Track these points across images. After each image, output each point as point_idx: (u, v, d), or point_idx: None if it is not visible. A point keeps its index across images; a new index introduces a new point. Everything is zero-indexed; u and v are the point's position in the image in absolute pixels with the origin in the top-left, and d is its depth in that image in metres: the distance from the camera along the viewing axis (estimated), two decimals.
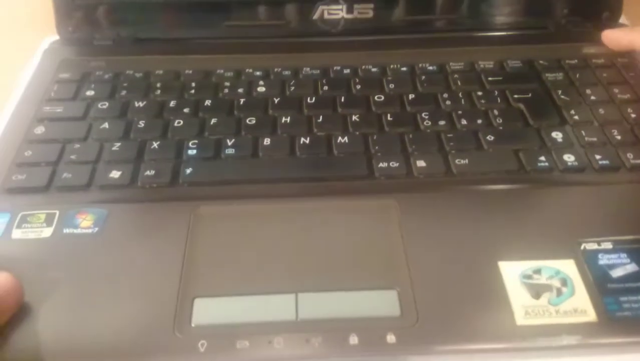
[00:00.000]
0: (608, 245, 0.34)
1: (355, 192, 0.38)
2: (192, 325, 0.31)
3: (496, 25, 0.53)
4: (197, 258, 0.34)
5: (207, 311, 0.31)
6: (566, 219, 0.36)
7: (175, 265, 0.33)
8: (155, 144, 0.40)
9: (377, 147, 0.40)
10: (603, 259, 0.33)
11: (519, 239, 0.34)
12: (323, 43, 0.51)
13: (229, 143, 0.41)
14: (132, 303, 0.32)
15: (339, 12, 0.52)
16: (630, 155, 0.39)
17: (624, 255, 0.33)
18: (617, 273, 0.32)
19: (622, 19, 0.54)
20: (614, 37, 0.48)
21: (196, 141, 0.41)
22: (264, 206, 0.37)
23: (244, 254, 0.34)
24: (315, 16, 0.52)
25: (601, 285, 0.32)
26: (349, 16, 0.52)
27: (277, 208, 0.37)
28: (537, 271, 0.32)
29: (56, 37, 0.51)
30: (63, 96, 0.45)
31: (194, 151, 0.40)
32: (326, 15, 0.52)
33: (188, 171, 0.39)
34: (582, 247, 0.34)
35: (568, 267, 0.33)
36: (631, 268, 0.32)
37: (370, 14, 0.52)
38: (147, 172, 0.38)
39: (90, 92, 0.45)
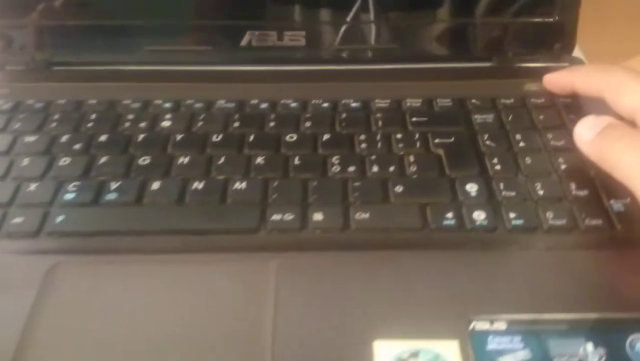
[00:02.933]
0: (501, 325, 0.30)
1: (239, 249, 0.34)
2: None
3: (435, 58, 0.49)
4: (39, 328, 0.30)
5: None
6: (462, 289, 0.32)
7: (12, 336, 0.30)
8: (32, 186, 0.37)
9: (275, 196, 0.37)
10: (492, 343, 0.29)
11: (404, 313, 0.30)
12: (248, 73, 0.48)
13: (113, 187, 0.37)
14: None
15: (269, 39, 0.49)
16: (550, 214, 0.35)
17: (517, 338, 0.29)
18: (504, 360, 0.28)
19: (577, 52, 0.50)
20: (555, 80, 0.43)
21: (78, 183, 0.37)
22: (130, 265, 0.33)
23: (92, 323, 0.30)
24: (244, 42, 0.49)
25: None
26: (280, 43, 0.49)
27: (143, 268, 0.33)
28: (415, 355, 0.28)
29: None
30: None
31: (72, 195, 0.37)
32: (255, 42, 0.49)
33: (59, 219, 0.35)
34: (471, 326, 0.30)
35: (450, 350, 0.29)
36: (522, 355, 0.28)
37: (302, 41, 0.49)
38: (16, 220, 0.35)
39: None
